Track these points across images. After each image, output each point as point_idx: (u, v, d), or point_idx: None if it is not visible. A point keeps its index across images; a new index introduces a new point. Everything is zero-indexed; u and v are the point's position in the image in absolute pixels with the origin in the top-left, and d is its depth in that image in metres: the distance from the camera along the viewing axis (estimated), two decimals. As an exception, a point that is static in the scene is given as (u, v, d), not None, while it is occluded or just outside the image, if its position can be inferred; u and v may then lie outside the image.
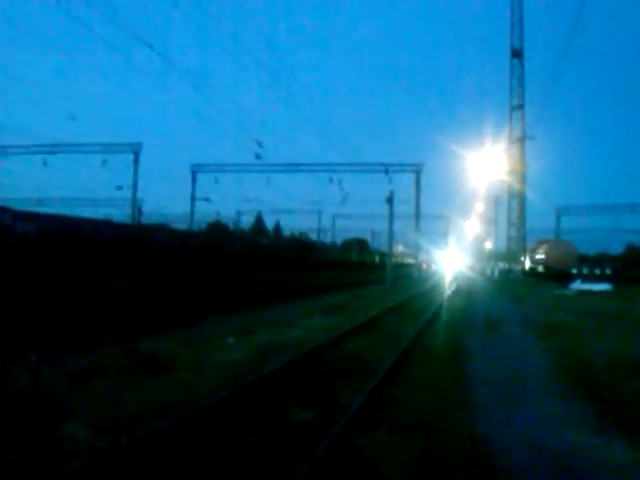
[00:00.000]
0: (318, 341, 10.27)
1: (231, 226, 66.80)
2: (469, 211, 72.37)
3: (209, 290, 20.44)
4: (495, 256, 65.58)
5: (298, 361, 8.40)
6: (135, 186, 39.30)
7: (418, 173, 44.60)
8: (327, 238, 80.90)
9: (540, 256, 52.20)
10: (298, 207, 68.84)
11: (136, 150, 39.29)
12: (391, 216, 37.21)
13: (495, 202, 61.74)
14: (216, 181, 44.74)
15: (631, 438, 5.30)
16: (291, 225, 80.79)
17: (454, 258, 75.92)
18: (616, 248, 73.82)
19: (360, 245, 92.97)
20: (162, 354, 8.54)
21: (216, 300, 17.47)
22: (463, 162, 43.82)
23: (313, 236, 76.85)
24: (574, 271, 49.16)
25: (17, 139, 37.65)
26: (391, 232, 39.23)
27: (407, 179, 45.19)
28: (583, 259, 59.72)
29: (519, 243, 46.37)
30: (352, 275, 48.73)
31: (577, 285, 34.93)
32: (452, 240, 79.17)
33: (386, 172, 43.58)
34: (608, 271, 59.62)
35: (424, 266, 77.54)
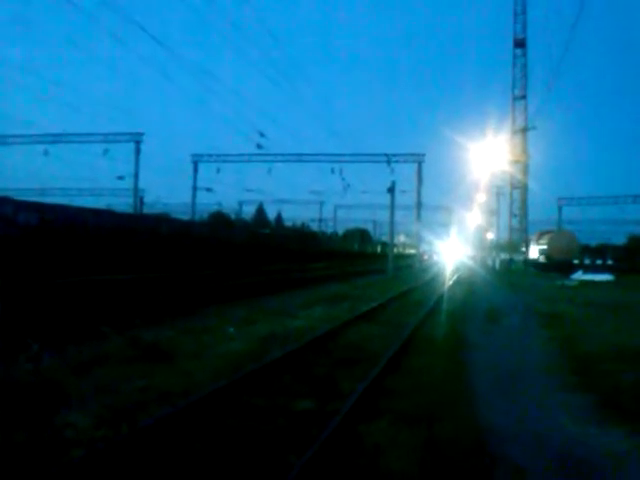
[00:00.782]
0: (320, 331, 10.29)
1: (233, 216, 66.73)
2: (471, 202, 72.16)
3: (211, 280, 20.46)
4: (497, 247, 65.52)
5: (299, 351, 8.42)
6: (137, 176, 39.29)
7: (420, 163, 44.54)
8: (329, 228, 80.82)
9: (542, 247, 52.19)
10: (300, 197, 68.83)
11: (137, 140, 39.25)
12: (392, 206, 37.22)
13: (497, 193, 61.58)
14: (218, 171, 44.74)
15: (628, 426, 5.32)
16: (293, 215, 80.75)
17: (456, 249, 75.87)
18: (618, 239, 73.50)
19: (362, 235, 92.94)
20: (164, 343, 8.57)
21: (218, 290, 17.49)
22: (465, 153, 43.64)
23: (315, 226, 76.79)
24: (576, 262, 49.15)
25: (18, 129, 37.47)
26: (392, 222, 39.25)
27: (409, 169, 45.16)
28: (585, 250, 59.66)
29: (521, 234, 46.38)
30: (354, 265, 48.77)
31: (579, 275, 34.95)
32: (454, 231, 78.99)
33: (388, 162, 43.51)
34: (610, 261, 59.63)
35: (425, 256, 77.58)
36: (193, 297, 15.26)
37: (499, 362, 8.59)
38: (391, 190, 36.17)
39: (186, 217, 44.85)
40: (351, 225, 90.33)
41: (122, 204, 43.86)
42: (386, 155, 44.10)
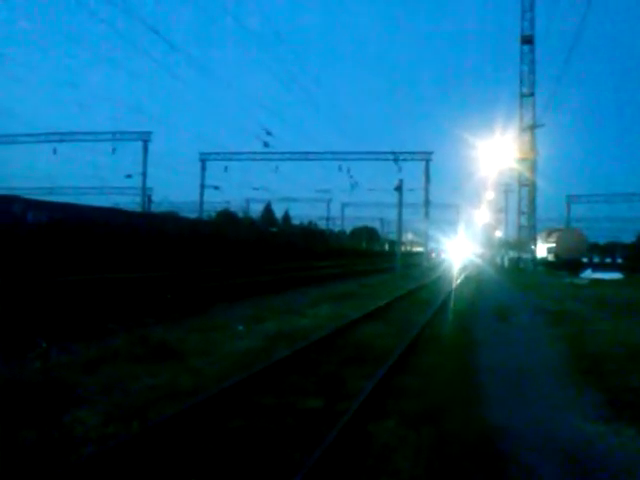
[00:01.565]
0: (327, 329, 10.27)
1: (240, 215, 66.83)
2: (479, 200, 71.90)
3: (218, 278, 20.50)
4: (505, 245, 65.25)
5: (307, 349, 8.41)
6: (145, 174, 39.43)
7: (427, 161, 44.52)
8: (336, 226, 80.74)
9: (550, 245, 51.91)
10: (307, 195, 68.83)
11: (145, 139, 39.38)
12: (400, 205, 37.12)
13: (505, 190, 61.34)
14: (225, 169, 44.83)
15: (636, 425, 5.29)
16: (300, 214, 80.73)
17: (463, 247, 75.57)
18: (628, 237, 73.02)
19: (369, 233, 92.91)
20: (173, 341, 8.58)
21: (225, 288, 17.52)
22: (473, 150, 43.44)
23: (322, 225, 76.75)
24: (585, 260, 48.90)
25: (27, 127, 37.76)
26: (400, 221, 39.16)
27: (417, 167, 45.08)
28: (594, 248, 59.37)
29: (529, 232, 46.06)
30: (361, 263, 48.72)
31: (588, 274, 34.77)
32: (461, 229, 78.70)
33: (395, 160, 43.44)
34: (619, 260, 59.26)
35: (433, 255, 77.39)
36: (201, 295, 15.28)
37: (508, 361, 8.55)
38: (399, 188, 36.07)
39: (194, 215, 45.00)
40: (358, 223, 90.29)
41: (130, 202, 44.06)
42: (393, 153, 44.04)
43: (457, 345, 9.56)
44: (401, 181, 36.68)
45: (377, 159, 45.92)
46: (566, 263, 45.06)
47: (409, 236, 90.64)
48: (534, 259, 48.07)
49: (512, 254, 57.38)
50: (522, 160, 43.21)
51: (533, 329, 12.32)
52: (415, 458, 4.44)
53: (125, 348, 8.00)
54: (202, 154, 46.62)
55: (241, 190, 68.01)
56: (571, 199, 63.78)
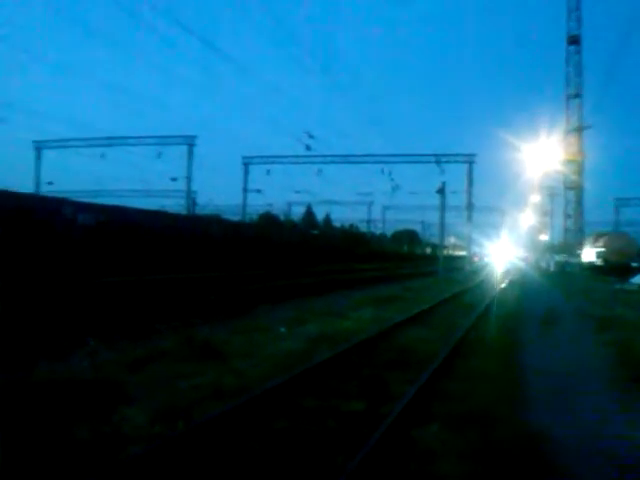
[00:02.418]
0: (369, 332, 10.24)
1: (282, 217, 67.25)
2: (523, 203, 70.55)
3: (262, 280, 20.68)
4: (550, 249, 63.77)
5: (349, 352, 8.39)
6: (189, 178, 40.12)
7: (470, 164, 43.84)
8: (377, 229, 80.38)
9: (598, 249, 50.46)
10: (348, 198, 68.76)
11: (190, 143, 40.05)
12: (442, 208, 36.75)
13: (551, 193, 59.98)
14: (268, 173, 45.22)
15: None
16: (341, 216, 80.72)
17: (507, 250, 74.18)
18: (681, 241, 70.25)
19: (410, 236, 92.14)
20: (216, 342, 8.69)
21: (268, 290, 17.66)
22: (517, 153, 42.56)
23: (363, 227, 76.51)
24: (634, 264, 47.27)
25: (76, 132, 38.97)
26: (443, 224, 38.77)
27: (459, 170, 44.51)
28: (644, 252, 57.33)
29: (576, 235, 44.89)
30: (403, 267, 48.36)
31: (638, 279, 33.58)
32: (505, 232, 77.31)
33: (437, 163, 42.98)
34: (672, 265, 57.08)
35: (477, 258, 76.22)
36: (244, 297, 15.45)
37: (554, 367, 8.34)
38: (441, 191, 35.70)
39: (236, 218, 45.51)
40: (400, 226, 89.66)
41: (175, 205, 44.78)
42: (436, 155, 43.60)
43: (502, 350, 9.38)
44: (443, 184, 36.30)
45: (419, 161, 45.52)
46: (615, 267, 43.65)
47: (451, 239, 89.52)
48: (581, 263, 46.82)
49: (558, 258, 56.02)
50: (568, 162, 42.15)
51: (581, 335, 11.99)
52: (459, 463, 4.38)
53: (171, 348, 8.16)
54: (245, 158, 47.15)
55: (283, 193, 68.45)
56: (620, 202, 61.89)
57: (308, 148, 37.68)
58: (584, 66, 40.59)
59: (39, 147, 43.27)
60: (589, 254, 51.30)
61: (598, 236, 52.67)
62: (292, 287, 19.53)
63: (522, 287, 28.02)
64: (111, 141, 41.19)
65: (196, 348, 8.08)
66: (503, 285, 27.96)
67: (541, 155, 41.91)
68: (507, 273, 43.54)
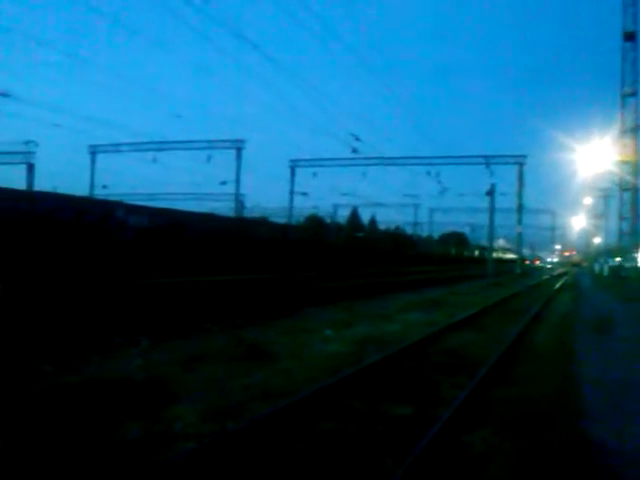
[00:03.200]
0: (417, 335, 10.15)
1: (328, 220, 67.37)
2: (576, 205, 68.61)
3: (307, 282, 20.77)
4: (604, 252, 61.76)
5: (396, 355, 8.34)
6: (238, 181, 40.66)
7: (521, 165, 42.90)
8: (423, 232, 79.52)
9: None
10: (394, 201, 68.28)
11: (239, 147, 40.60)
12: (492, 210, 36.14)
13: (605, 195, 58.08)
14: (314, 175, 45.40)
15: None
16: (387, 219, 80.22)
17: (559, 253, 72.27)
18: None
19: (458, 239, 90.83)
20: (265, 343, 8.78)
21: (314, 292, 17.72)
22: (569, 154, 41.34)
23: (409, 230, 75.84)
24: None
25: (129, 137, 39.88)
26: (492, 226, 38.13)
27: (509, 172, 43.62)
28: None
29: (631, 239, 43.24)
30: (450, 270, 47.70)
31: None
32: (557, 235, 75.36)
33: (487, 165, 42.24)
34: None
35: (527, 261, 74.54)
36: (291, 298, 15.54)
37: (609, 374, 8.06)
38: (490, 193, 35.08)
39: (283, 220, 45.84)
40: (447, 229, 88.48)
41: (224, 208, 45.42)
42: (485, 157, 42.84)
43: (555, 357, 9.15)
44: (493, 186, 35.65)
45: (467, 163, 44.84)
46: (674, 272, 41.87)
47: (500, 242, 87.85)
48: (637, 268, 45.09)
49: (612, 262, 54.19)
50: (623, 163, 40.71)
51: (637, 343, 11.55)
52: (510, 470, 4.29)
53: (221, 348, 8.29)
54: (292, 161, 47.51)
55: (329, 195, 68.58)
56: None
57: (354, 151, 37.57)
58: (641, 62, 39.08)
59: (94, 151, 44.71)
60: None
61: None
62: (338, 290, 19.53)
63: (574, 291, 27.25)
64: (162, 145, 42.13)
65: (245, 348, 8.19)
66: (554, 289, 27.23)
67: (594, 156, 40.59)
68: (559, 277, 42.37)
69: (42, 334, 7.79)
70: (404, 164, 46.14)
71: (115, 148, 43.88)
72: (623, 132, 39.94)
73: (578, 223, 75.41)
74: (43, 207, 13.34)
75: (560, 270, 71.91)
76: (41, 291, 9.92)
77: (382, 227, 79.96)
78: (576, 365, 8.59)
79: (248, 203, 52.02)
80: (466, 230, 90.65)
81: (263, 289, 16.69)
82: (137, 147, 42.82)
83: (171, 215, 19.96)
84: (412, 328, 11.62)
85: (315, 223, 60.61)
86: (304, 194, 48.25)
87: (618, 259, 51.60)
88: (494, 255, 45.40)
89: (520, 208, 43.13)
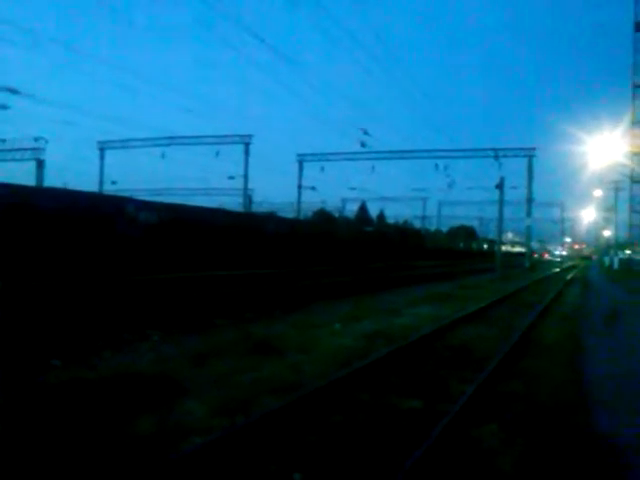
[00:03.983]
0: (425, 330, 10.15)
1: (336, 214, 67.34)
2: (585, 197, 68.14)
3: (315, 277, 20.80)
4: (614, 245, 61.38)
5: (405, 349, 8.35)
6: (246, 176, 40.69)
7: (530, 158, 42.61)
8: (432, 226, 79.34)
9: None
10: (403, 194, 68.18)
11: (247, 142, 40.62)
12: (501, 203, 35.88)
13: (615, 188, 57.64)
14: (322, 170, 45.35)
15: None
16: (395, 213, 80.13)
17: (569, 247, 71.91)
18: None
19: (467, 233, 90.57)
20: (274, 337, 8.83)
21: (322, 287, 17.75)
22: (579, 146, 41.01)
23: (417, 224, 75.68)
24: None
25: (138, 132, 40.16)
26: (501, 220, 37.90)
27: (518, 164, 43.36)
28: None
29: (642, 231, 43.00)
30: (459, 264, 47.61)
31: None
32: (566, 228, 74.93)
33: (496, 157, 42.01)
34: None
35: (536, 255, 74.20)
36: (300, 293, 15.58)
37: (619, 368, 8.04)
38: (499, 186, 34.84)
39: (291, 215, 45.89)
40: (456, 222, 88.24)
41: (233, 203, 45.49)
42: (494, 150, 42.61)
43: (564, 351, 9.12)
44: (502, 179, 35.41)
45: (476, 156, 44.60)
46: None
47: (509, 235, 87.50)
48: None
49: (622, 255, 53.87)
50: (634, 155, 40.36)
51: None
52: (518, 464, 4.31)
53: (230, 342, 8.34)
54: (299, 155, 47.47)
55: (337, 190, 68.60)
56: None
57: (363, 145, 37.53)
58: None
59: (103, 147, 44.88)
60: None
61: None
62: (347, 284, 19.56)
63: (583, 285, 27.14)
64: (171, 140, 42.24)
65: (254, 343, 8.24)
66: (563, 283, 27.12)
67: (605, 148, 40.24)
68: (568, 270, 42.17)
69: (53, 329, 7.87)
70: (412, 157, 46.00)
71: (123, 144, 44.02)
72: (634, 123, 39.60)
73: (588, 216, 74.96)
74: (52, 204, 13.41)
75: (569, 263, 71.59)
76: (52, 287, 10.01)
77: (390, 221, 79.90)
78: (586, 360, 8.57)
79: (256, 198, 52.11)
80: (475, 223, 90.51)
81: (272, 284, 16.74)
82: (146, 143, 42.96)
83: (180, 210, 20.00)
84: (421, 322, 11.63)
85: (323, 217, 60.63)
86: (312, 188, 48.28)
87: (628, 252, 51.30)
88: (503, 248, 45.17)
89: (529, 201, 42.89)
